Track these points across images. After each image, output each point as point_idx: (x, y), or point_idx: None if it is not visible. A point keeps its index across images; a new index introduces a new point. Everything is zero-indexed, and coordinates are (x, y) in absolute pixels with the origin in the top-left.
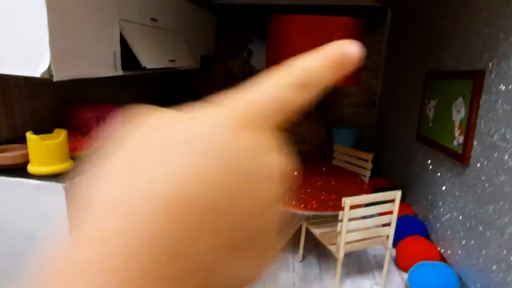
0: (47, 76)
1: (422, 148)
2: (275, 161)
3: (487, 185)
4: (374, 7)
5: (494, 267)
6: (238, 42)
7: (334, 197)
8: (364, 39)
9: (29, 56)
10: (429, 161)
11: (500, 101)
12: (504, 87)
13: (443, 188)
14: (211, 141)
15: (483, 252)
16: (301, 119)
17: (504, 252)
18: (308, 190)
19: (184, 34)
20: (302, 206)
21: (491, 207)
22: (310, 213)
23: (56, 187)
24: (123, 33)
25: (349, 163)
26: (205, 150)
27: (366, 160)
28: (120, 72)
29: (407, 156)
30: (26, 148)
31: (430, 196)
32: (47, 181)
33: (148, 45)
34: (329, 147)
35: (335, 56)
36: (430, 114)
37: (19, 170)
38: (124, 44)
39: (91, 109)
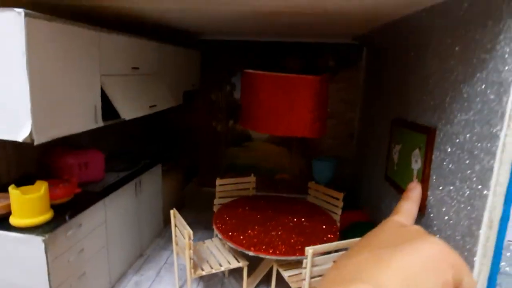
0: (28, 141)
1: (389, 188)
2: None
3: (437, 236)
4: (352, 45)
5: None
6: (221, 75)
7: (302, 239)
8: (343, 74)
9: (11, 122)
10: (394, 202)
11: (447, 160)
12: (449, 148)
13: None
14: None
15: None
16: (282, 149)
17: None
18: (279, 232)
19: (167, 76)
20: (271, 251)
21: None
22: (278, 258)
23: (36, 240)
24: (103, 88)
25: (322, 200)
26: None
27: (338, 198)
28: (100, 124)
29: (378, 192)
30: (8, 198)
31: None
32: (28, 233)
33: (128, 95)
34: (307, 177)
35: (411, 195)
36: (395, 157)
37: (1, 220)
38: (104, 94)
39: (73, 155)
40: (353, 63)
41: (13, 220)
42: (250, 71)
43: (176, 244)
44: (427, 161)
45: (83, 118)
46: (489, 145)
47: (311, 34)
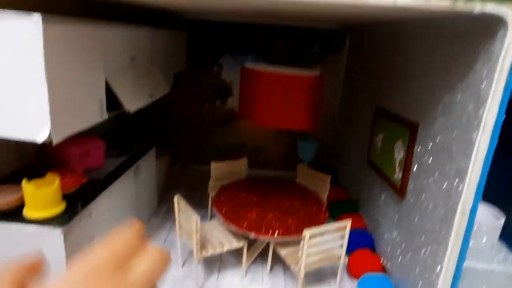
0: (47, 141)
1: (371, 171)
2: None
3: (416, 219)
4: (337, 30)
5: (420, 283)
6: (209, 56)
7: (297, 221)
8: (327, 60)
9: (30, 124)
10: (376, 184)
11: (427, 154)
12: (430, 144)
13: (385, 211)
14: None
15: (416, 269)
16: (270, 131)
17: (426, 275)
18: (277, 213)
19: (160, 62)
20: (270, 233)
21: (419, 238)
22: (276, 239)
23: (55, 232)
24: (108, 81)
25: (310, 181)
26: None
27: (325, 181)
28: (105, 117)
29: (359, 173)
30: (18, 190)
31: (376, 214)
32: (46, 225)
33: (129, 86)
34: (292, 155)
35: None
36: (378, 143)
37: (13, 213)
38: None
39: (75, 144)
40: (338, 48)
41: (27, 213)
42: (249, 66)
43: (180, 228)
44: (409, 153)
45: (91, 113)
46: (465, 148)
47: (297, 18)
